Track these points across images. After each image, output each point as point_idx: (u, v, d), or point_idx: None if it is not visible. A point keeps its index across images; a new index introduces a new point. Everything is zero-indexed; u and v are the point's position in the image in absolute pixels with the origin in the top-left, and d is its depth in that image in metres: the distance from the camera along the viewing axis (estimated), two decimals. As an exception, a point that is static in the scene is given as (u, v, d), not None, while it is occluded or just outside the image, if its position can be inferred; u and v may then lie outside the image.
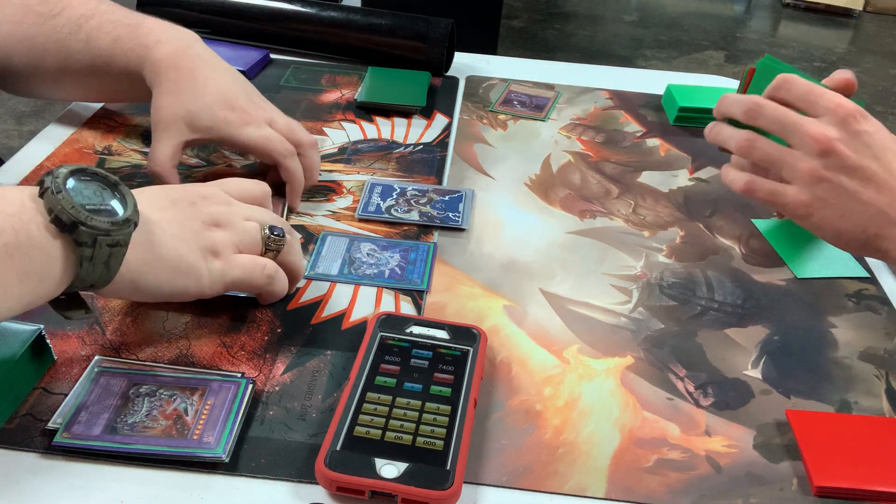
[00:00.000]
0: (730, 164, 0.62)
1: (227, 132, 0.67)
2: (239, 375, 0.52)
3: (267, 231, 0.56)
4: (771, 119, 0.57)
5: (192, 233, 0.52)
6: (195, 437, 0.47)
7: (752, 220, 0.75)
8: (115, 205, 0.46)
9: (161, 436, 0.47)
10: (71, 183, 0.44)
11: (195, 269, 0.52)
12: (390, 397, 0.49)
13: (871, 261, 0.70)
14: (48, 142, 0.78)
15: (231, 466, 0.46)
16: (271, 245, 0.56)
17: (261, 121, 0.68)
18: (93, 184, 0.46)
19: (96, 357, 0.52)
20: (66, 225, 0.43)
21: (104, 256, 0.45)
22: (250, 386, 0.51)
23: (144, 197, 0.51)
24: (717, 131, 0.61)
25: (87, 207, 0.44)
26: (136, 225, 0.46)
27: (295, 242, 0.59)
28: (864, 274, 0.68)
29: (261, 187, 0.60)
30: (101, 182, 0.46)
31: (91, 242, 0.44)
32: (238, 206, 0.57)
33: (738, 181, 0.60)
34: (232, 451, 0.47)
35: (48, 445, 0.46)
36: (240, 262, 0.54)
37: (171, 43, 0.67)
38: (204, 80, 0.66)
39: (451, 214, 0.72)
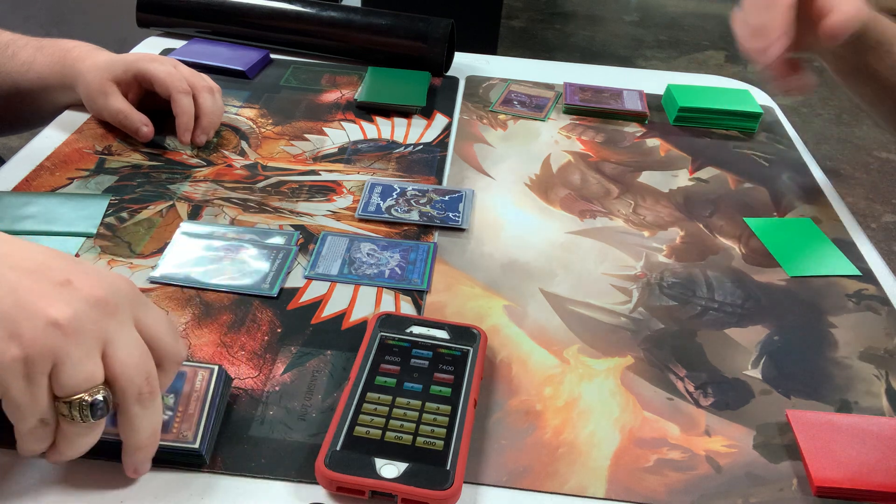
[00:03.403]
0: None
1: (139, 66, 0.78)
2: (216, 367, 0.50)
3: (89, 398, 0.40)
4: None
5: (16, 302, 0.39)
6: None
7: (745, 218, 0.75)
8: None
9: None
10: None
11: None
12: (390, 397, 0.49)
13: (870, 260, 0.70)
14: (49, 142, 0.78)
15: (231, 466, 0.46)
16: (74, 412, 0.40)
17: (166, 62, 0.80)
18: None
19: None
20: None
21: None
22: (223, 374, 0.50)
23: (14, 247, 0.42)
24: None
25: None
26: None
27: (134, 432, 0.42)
28: (857, 272, 0.68)
29: (178, 349, 0.44)
30: None
31: None
32: (120, 337, 0.41)
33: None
34: (208, 443, 0.46)
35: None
36: (14, 394, 0.39)
37: (84, 46, 0.82)
38: (112, 55, 0.82)
39: (451, 214, 0.72)
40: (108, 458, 0.45)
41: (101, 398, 0.40)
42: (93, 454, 0.44)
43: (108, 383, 0.41)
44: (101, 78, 0.78)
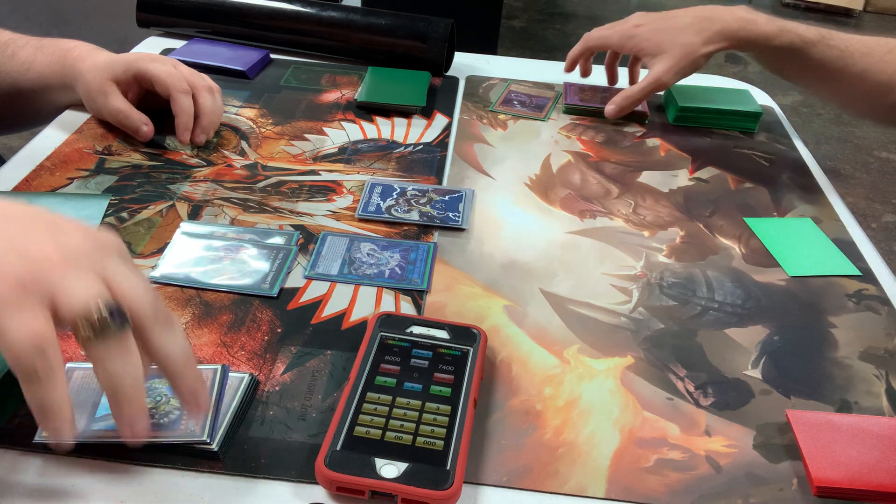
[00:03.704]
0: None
1: (139, 66, 0.78)
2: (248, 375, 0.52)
3: (102, 305, 0.39)
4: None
5: (7, 245, 0.40)
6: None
7: (745, 218, 0.75)
8: None
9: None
10: None
11: None
12: (390, 397, 0.49)
13: (869, 259, 0.70)
14: (49, 142, 0.78)
15: (231, 466, 0.46)
16: (95, 327, 0.39)
17: (166, 62, 0.80)
18: None
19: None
20: None
21: None
22: (252, 381, 0.51)
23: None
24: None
25: None
26: None
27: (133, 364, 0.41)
28: (857, 272, 0.68)
29: (150, 295, 0.42)
30: None
31: None
32: (119, 271, 0.42)
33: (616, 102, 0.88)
34: (221, 440, 0.47)
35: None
36: (10, 334, 0.38)
37: (84, 46, 0.82)
38: (112, 55, 0.82)
39: (451, 214, 0.72)
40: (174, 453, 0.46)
41: (115, 304, 0.40)
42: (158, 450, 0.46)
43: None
44: (100, 77, 0.78)
